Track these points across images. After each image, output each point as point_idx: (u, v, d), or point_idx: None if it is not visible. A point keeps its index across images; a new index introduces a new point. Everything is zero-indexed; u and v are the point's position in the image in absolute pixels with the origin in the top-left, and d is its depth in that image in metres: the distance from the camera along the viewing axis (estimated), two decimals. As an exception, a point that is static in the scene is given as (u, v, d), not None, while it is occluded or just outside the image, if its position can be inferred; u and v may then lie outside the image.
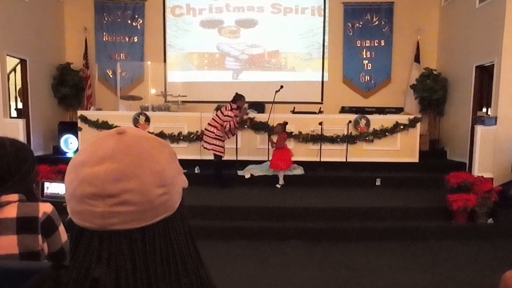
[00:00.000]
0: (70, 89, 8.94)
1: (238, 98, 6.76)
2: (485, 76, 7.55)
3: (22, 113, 8.08)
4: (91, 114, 7.97)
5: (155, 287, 0.64)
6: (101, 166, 0.63)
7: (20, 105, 8.33)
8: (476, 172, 6.66)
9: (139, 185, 0.63)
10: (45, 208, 1.56)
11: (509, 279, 1.99)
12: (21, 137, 7.18)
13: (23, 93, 8.05)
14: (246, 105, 7.43)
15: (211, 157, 6.76)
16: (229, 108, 6.62)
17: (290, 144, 7.40)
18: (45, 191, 1.71)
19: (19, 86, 8.19)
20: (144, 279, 0.63)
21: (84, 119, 7.83)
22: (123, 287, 0.62)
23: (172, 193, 0.68)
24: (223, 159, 6.75)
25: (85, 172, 0.64)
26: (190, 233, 0.72)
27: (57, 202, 1.69)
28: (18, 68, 7.98)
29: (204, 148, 6.81)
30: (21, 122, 7.38)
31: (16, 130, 7.17)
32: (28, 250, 1.48)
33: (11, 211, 1.49)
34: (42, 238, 1.52)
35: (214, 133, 6.60)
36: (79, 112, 7.98)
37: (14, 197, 1.52)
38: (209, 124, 6.74)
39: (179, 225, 0.69)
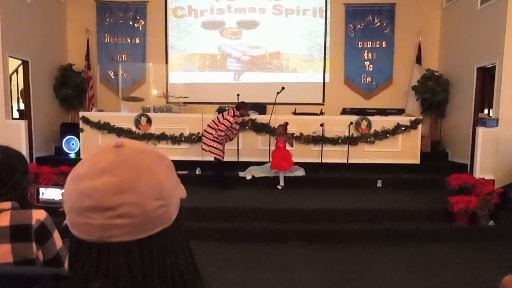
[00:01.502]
0: (72, 90, 8.96)
1: (242, 106, 6.80)
2: (486, 78, 7.55)
3: (24, 114, 8.10)
4: (93, 115, 7.99)
5: None
6: (100, 179, 0.64)
7: (22, 106, 8.35)
8: (478, 174, 6.65)
9: (137, 198, 0.64)
10: (39, 215, 1.54)
11: (508, 284, 1.99)
12: (23, 138, 7.22)
13: (25, 94, 8.07)
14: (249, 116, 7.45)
15: (212, 159, 6.77)
16: (232, 114, 6.63)
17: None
18: (40, 197, 1.71)
19: (21, 87, 8.22)
20: None
21: (86, 120, 7.85)
22: None
23: (169, 205, 0.69)
24: (223, 160, 6.77)
25: (84, 185, 0.65)
26: (187, 244, 0.73)
27: (53, 207, 1.69)
28: (20, 69, 8.01)
29: (202, 149, 6.82)
30: (23, 123, 7.40)
31: (18, 131, 7.20)
32: (22, 259, 1.47)
33: (4, 220, 1.48)
34: (36, 246, 1.51)
35: (212, 135, 6.60)
36: (81, 113, 8.00)
37: (7, 205, 1.51)
38: (208, 125, 6.75)
39: (176, 237, 0.70)
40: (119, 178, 0.64)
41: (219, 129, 6.53)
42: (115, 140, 0.71)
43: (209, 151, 6.66)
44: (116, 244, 0.64)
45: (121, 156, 0.67)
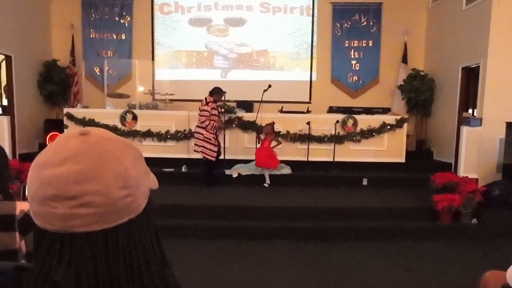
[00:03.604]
0: (56, 86, 8.84)
1: (216, 91, 6.61)
2: (471, 78, 7.63)
3: (7, 110, 7.96)
4: (78, 111, 7.90)
5: None
6: (63, 167, 0.61)
7: (5, 102, 8.21)
8: (462, 172, 6.72)
9: (101, 187, 0.62)
10: (23, 206, 1.56)
11: (488, 280, 2.01)
12: (6, 135, 7.09)
13: (8, 90, 7.93)
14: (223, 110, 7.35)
15: (199, 156, 6.72)
16: (205, 103, 6.51)
17: (278, 144, 7.40)
18: (26, 194, 1.70)
19: (4, 82, 8.08)
20: (106, 282, 0.62)
21: (70, 116, 7.76)
22: None
23: (136, 195, 0.66)
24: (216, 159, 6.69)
25: (46, 173, 0.62)
26: (156, 235, 0.70)
27: None
28: (3, 65, 7.88)
29: (194, 150, 6.75)
30: (5, 119, 7.28)
31: (0, 127, 7.07)
32: (5, 248, 1.48)
33: None
34: (19, 236, 1.52)
35: (202, 134, 6.51)
36: (65, 110, 7.91)
37: None
38: (197, 125, 6.68)
39: (144, 227, 0.68)
40: (83, 166, 0.62)
41: (204, 118, 6.40)
42: (81, 128, 0.68)
43: (201, 151, 6.57)
44: (80, 234, 0.62)
45: (85, 144, 0.64)
